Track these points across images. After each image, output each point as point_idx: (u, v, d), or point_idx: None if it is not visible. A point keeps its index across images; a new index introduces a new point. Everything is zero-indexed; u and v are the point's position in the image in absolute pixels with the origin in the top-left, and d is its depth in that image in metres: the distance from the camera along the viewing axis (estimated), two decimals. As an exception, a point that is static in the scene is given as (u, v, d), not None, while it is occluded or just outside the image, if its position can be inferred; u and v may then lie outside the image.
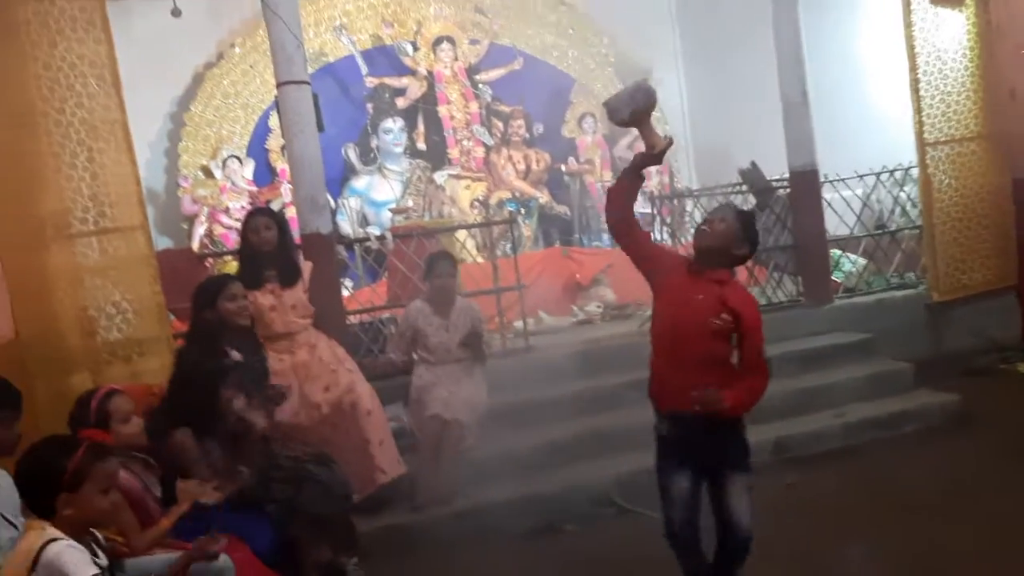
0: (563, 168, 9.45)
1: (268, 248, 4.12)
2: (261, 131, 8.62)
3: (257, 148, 8.58)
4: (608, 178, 9.50)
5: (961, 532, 3.63)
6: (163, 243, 7.77)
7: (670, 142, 2.97)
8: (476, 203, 9.08)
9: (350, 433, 4.08)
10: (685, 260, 3.06)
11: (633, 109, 2.93)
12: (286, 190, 8.12)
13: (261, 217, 4.21)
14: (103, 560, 2.22)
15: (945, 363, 5.82)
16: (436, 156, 9.14)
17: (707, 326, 2.84)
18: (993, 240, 6.29)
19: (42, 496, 2.17)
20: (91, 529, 2.26)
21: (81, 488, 2.16)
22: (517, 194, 9.16)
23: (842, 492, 4.28)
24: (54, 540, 2.06)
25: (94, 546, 2.23)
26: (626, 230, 3.07)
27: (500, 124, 9.33)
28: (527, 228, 8.98)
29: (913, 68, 6.06)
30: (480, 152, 9.26)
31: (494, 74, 9.39)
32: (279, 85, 4.90)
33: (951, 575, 3.33)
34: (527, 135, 9.31)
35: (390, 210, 8.32)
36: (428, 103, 9.15)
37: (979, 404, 5.18)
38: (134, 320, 4.15)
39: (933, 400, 5.23)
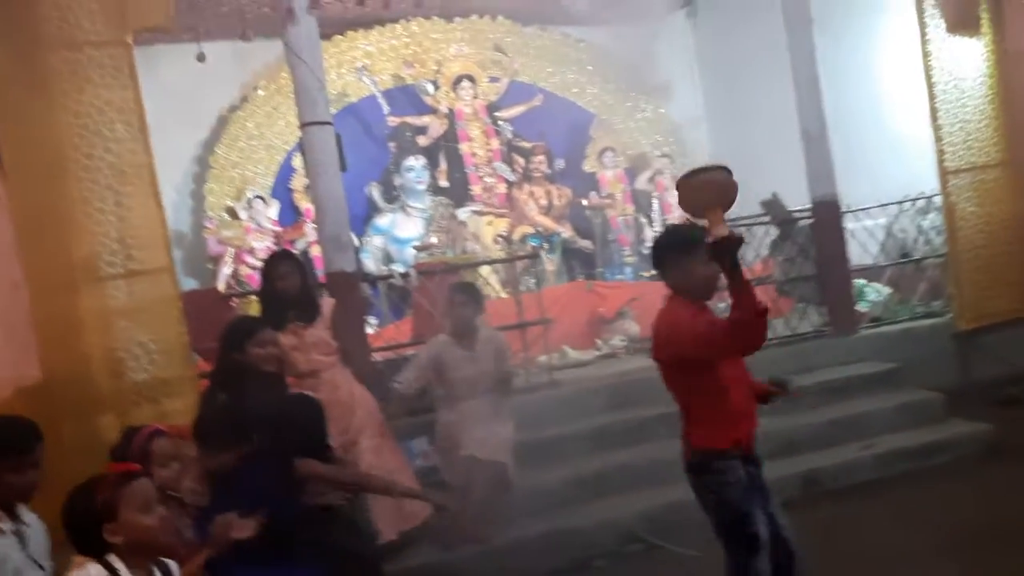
0: (584, 202, 9.49)
1: (290, 292, 4.16)
2: (285, 172, 8.75)
3: (281, 188, 8.71)
4: (629, 212, 9.53)
5: (1002, 565, 3.55)
6: (189, 284, 7.87)
7: (740, 240, 2.55)
8: (499, 239, 9.12)
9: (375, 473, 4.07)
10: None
11: (709, 205, 2.56)
12: (310, 229, 8.22)
13: (283, 264, 4.24)
14: None
15: (974, 392, 5.74)
16: (458, 193, 9.22)
17: None
18: (1018, 267, 6.21)
19: (86, 535, 2.24)
20: (157, 556, 2.35)
21: (118, 514, 2.23)
22: (539, 229, 9.20)
23: (875, 525, 4.20)
24: (80, 567, 2.13)
25: (158, 571, 2.31)
26: None
27: (521, 160, 9.40)
28: (550, 262, 8.99)
29: (931, 96, 6.05)
30: (502, 188, 9.33)
31: (514, 111, 9.49)
32: (302, 126, 4.99)
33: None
34: (548, 171, 9.37)
35: (414, 247, 8.38)
36: (449, 141, 9.25)
37: (1011, 434, 5.08)
38: (160, 361, 4.20)
39: (965, 430, 5.15)
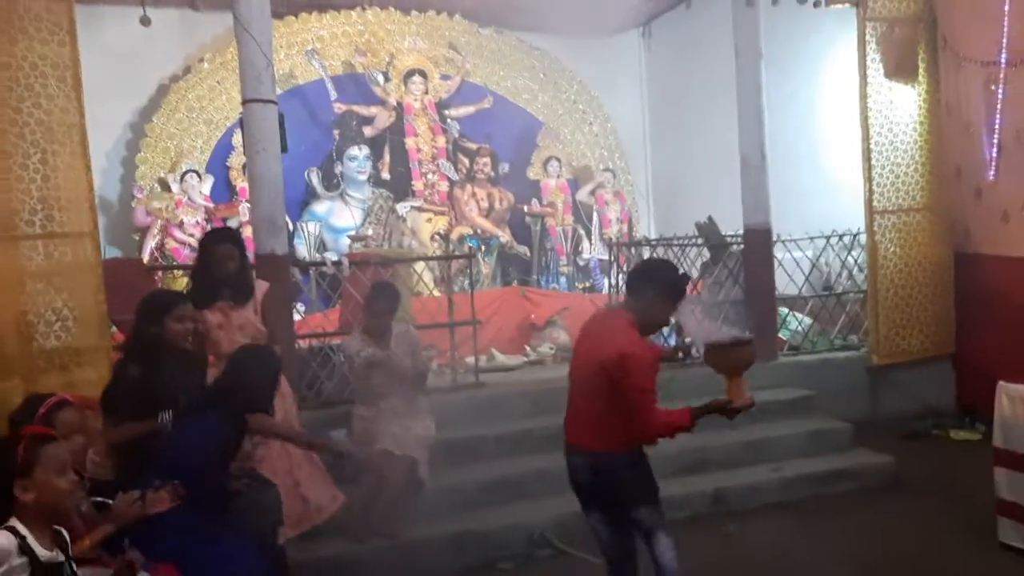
0: (526, 209, 9.52)
1: (228, 271, 4.05)
2: (223, 148, 8.54)
3: (217, 165, 8.50)
4: (569, 222, 9.61)
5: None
6: (111, 253, 7.61)
7: (751, 403, 2.98)
8: (436, 236, 9.08)
9: (277, 472, 3.99)
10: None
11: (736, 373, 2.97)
12: (244, 209, 8.04)
13: (225, 243, 4.10)
14: (57, 556, 2.25)
15: (882, 424, 5.97)
16: (400, 187, 9.15)
17: None
18: (933, 309, 6.48)
19: None
20: (59, 522, 2.38)
21: (33, 473, 2.26)
22: (478, 231, 9.19)
23: (777, 546, 4.32)
24: None
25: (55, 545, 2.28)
26: None
27: (466, 160, 9.39)
28: (486, 265, 9.00)
29: (866, 138, 6.28)
30: (444, 186, 9.29)
31: (464, 111, 9.47)
32: (245, 102, 4.88)
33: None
34: (492, 173, 9.38)
35: (349, 237, 8.29)
36: (395, 134, 9.18)
37: (913, 467, 5.30)
38: (74, 328, 4.06)
39: (869, 460, 5.34)
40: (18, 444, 2.29)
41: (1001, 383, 4.02)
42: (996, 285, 6.06)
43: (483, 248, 9.05)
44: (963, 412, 6.29)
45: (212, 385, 3.41)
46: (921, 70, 6.44)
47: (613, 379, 3.02)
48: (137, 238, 8.02)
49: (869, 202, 6.32)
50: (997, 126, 5.94)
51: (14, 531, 2.21)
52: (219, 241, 4.14)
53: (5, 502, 2.24)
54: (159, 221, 7.96)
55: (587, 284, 9.42)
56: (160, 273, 6.74)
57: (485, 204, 9.32)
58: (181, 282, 6.33)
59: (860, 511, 4.77)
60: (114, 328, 4.48)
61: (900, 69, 6.31)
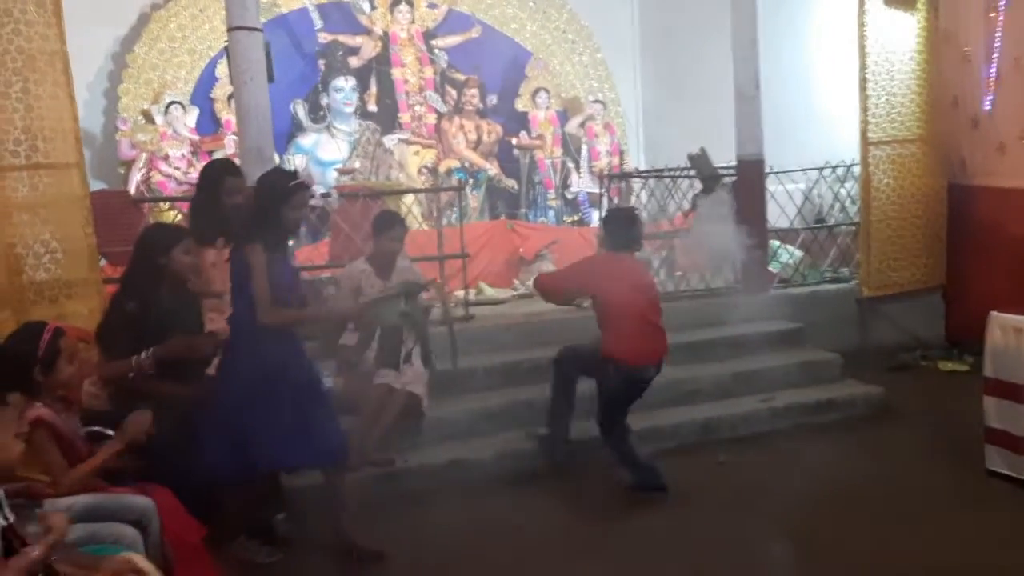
0: (514, 141, 9.41)
1: (234, 206, 3.92)
2: (207, 79, 8.35)
3: (202, 96, 8.32)
4: (558, 154, 9.51)
5: (879, 517, 3.78)
6: (97, 186, 7.46)
7: None
8: (424, 169, 8.98)
9: None
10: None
11: None
12: (230, 141, 7.91)
13: (236, 179, 3.91)
14: (6, 520, 2.06)
15: (871, 356, 6.03)
16: (387, 119, 9.00)
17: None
18: (925, 241, 6.50)
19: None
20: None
21: (56, 361, 2.73)
22: (466, 164, 9.09)
23: (766, 472, 4.40)
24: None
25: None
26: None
27: (454, 92, 9.23)
28: (474, 199, 8.92)
29: (863, 67, 6.18)
30: (432, 119, 9.15)
31: (451, 40, 9.27)
32: (230, 30, 4.75)
33: (858, 557, 3.45)
34: (480, 105, 9.23)
35: (336, 170, 8.18)
36: (382, 64, 8.99)
37: (900, 397, 5.38)
38: (63, 261, 4.00)
39: (857, 391, 5.41)
40: (40, 336, 2.70)
41: (993, 313, 4.05)
42: (989, 216, 6.08)
43: (471, 181, 8.96)
44: (951, 343, 6.36)
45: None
46: (921, -3, 6.32)
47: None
48: (122, 171, 7.90)
49: (864, 133, 6.26)
50: (996, 55, 5.87)
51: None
52: (224, 171, 3.97)
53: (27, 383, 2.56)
54: (144, 154, 7.83)
55: (576, 218, 9.37)
56: (147, 206, 6.63)
57: (473, 136, 9.20)
58: (168, 215, 6.24)
59: (849, 440, 4.85)
60: (103, 261, 4.43)
61: (899, -4, 6.19)
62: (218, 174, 3.93)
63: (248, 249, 3.22)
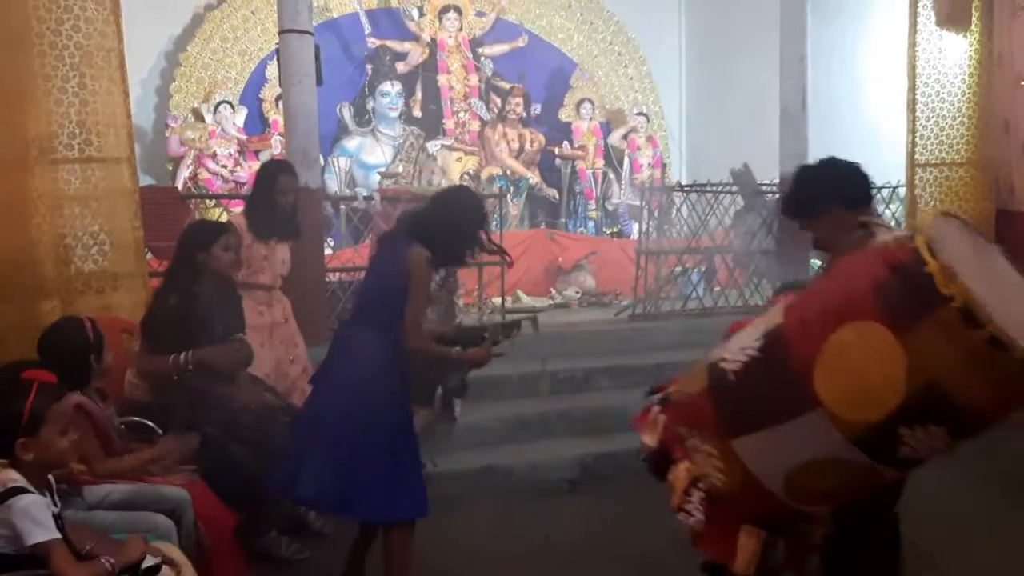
0: (556, 151, 9.43)
1: (286, 207, 4.03)
2: (257, 80, 8.51)
3: (251, 96, 8.48)
4: (600, 165, 9.51)
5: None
6: (145, 181, 7.65)
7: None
8: (466, 176, 9.04)
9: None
10: None
11: None
12: (276, 142, 8.04)
13: (290, 178, 4.01)
14: (57, 507, 2.15)
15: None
16: (431, 125, 9.09)
17: None
18: (971, 266, 6.36)
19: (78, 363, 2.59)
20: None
21: (39, 432, 2.07)
22: (508, 172, 9.14)
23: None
24: (23, 490, 2.01)
25: (47, 492, 2.14)
26: None
27: (498, 100, 9.29)
28: (514, 207, 8.97)
29: (912, 87, 6.09)
30: (475, 126, 9.22)
31: (497, 49, 9.34)
32: (281, 32, 4.84)
33: None
34: (524, 114, 9.28)
35: (379, 173, 8.27)
36: (428, 71, 9.08)
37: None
38: (111, 253, 4.08)
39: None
40: (29, 394, 2.07)
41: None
42: (1037, 244, 5.93)
43: (512, 189, 9.01)
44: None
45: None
46: (974, 18, 6.20)
47: None
48: (170, 167, 8.07)
49: (911, 154, 6.15)
50: (1050, 80, 5.74)
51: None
52: (279, 170, 4.06)
53: (6, 450, 2.05)
54: (192, 151, 7.99)
55: (615, 229, 9.37)
56: (194, 202, 6.77)
57: (516, 145, 9.24)
58: (214, 212, 6.37)
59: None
60: (150, 254, 4.53)
61: (952, 17, 6.09)
62: (273, 173, 4.05)
63: (416, 256, 2.80)
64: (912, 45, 6.06)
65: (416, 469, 2.95)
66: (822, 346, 1.87)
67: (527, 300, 6.96)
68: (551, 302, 7.09)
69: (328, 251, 6.48)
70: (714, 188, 7.02)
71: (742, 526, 2.09)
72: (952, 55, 6.16)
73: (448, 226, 2.89)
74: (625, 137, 9.62)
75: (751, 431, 2.00)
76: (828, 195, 2.59)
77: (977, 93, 6.23)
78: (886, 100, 7.05)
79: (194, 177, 7.94)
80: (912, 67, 6.07)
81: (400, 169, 8.61)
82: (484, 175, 9.08)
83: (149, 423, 3.08)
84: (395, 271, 2.81)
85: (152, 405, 3.20)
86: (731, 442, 2.03)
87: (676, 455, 2.18)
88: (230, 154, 7.99)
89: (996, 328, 1.71)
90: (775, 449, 1.98)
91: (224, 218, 5.48)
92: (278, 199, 3.95)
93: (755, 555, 2.07)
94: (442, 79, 9.13)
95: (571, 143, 9.53)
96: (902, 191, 6.45)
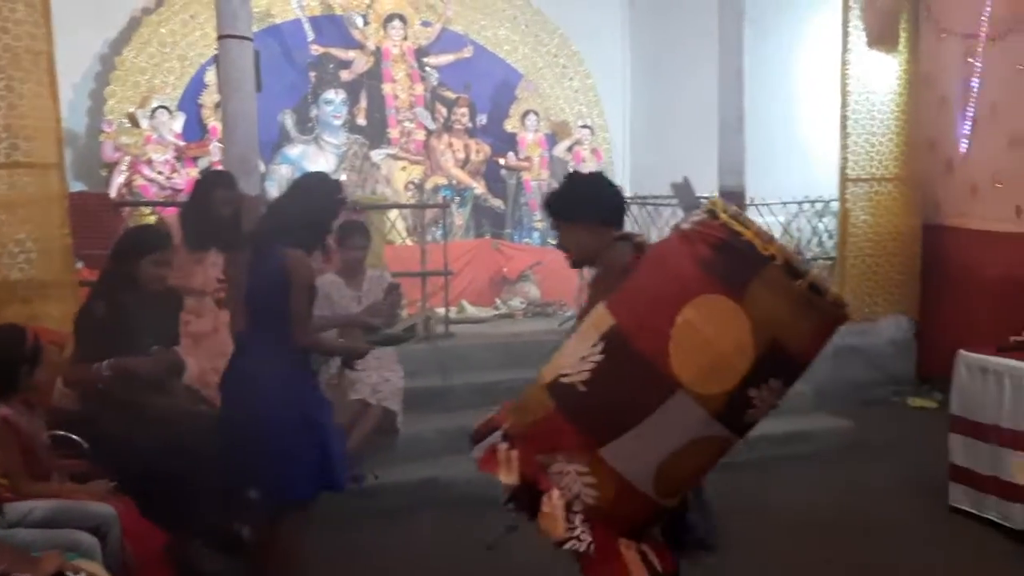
0: (502, 162, 9.45)
1: (224, 219, 3.96)
2: (196, 85, 8.34)
3: (189, 102, 8.31)
4: (545, 177, 9.57)
5: (843, 549, 3.81)
6: (78, 187, 7.44)
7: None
8: (411, 185, 9.00)
9: None
10: None
11: None
12: (215, 148, 7.90)
13: (228, 192, 3.97)
14: None
15: (843, 390, 6.07)
16: (375, 134, 9.02)
17: None
18: (899, 278, 6.59)
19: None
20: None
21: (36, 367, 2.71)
22: (453, 182, 9.12)
23: (734, 501, 4.41)
24: None
25: None
26: None
27: (444, 110, 9.27)
28: (459, 216, 8.95)
29: (844, 105, 6.30)
30: (420, 135, 9.18)
31: (443, 59, 9.33)
32: (220, 38, 4.76)
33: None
34: (469, 124, 9.27)
35: (322, 182, 8.17)
36: (373, 79, 9.02)
37: (870, 432, 5.43)
38: (38, 261, 3.98)
39: (829, 424, 5.45)
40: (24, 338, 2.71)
41: (961, 352, 4.11)
42: (961, 257, 6.17)
43: (457, 199, 8.99)
44: (922, 380, 6.43)
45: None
46: (902, 40, 6.45)
47: None
48: (104, 173, 7.85)
49: (843, 170, 6.36)
50: (972, 100, 5.98)
51: None
52: (217, 182, 4.03)
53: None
54: (127, 157, 7.79)
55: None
56: (127, 210, 6.61)
57: (461, 155, 9.23)
58: (149, 220, 6.22)
59: (816, 473, 4.89)
60: (80, 263, 4.41)
61: (882, 38, 6.32)
62: (210, 186, 4.00)
63: (292, 260, 2.85)
64: (844, 64, 6.27)
65: (322, 454, 2.98)
66: (670, 331, 2.00)
67: (472, 311, 6.95)
68: (496, 312, 7.10)
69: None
70: (656, 201, 7.14)
71: (619, 540, 2.13)
72: (881, 75, 6.40)
73: (306, 212, 2.96)
74: (570, 149, 9.69)
75: (619, 434, 2.05)
76: (586, 206, 2.68)
77: (905, 112, 6.48)
78: (820, 117, 7.24)
79: (129, 184, 7.73)
80: (844, 85, 6.29)
81: (343, 178, 8.53)
82: (429, 185, 9.04)
83: (75, 437, 2.99)
84: (274, 277, 2.86)
85: (81, 415, 3.11)
86: (599, 452, 2.06)
87: (542, 486, 2.16)
88: (167, 160, 7.81)
89: (813, 276, 2.04)
90: (645, 445, 2.05)
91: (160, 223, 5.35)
92: (213, 212, 3.89)
93: (641, 565, 2.11)
94: (387, 88, 9.08)
95: (516, 154, 9.56)
96: (835, 205, 6.65)
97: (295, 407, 2.91)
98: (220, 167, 5.77)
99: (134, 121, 7.99)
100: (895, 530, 4.04)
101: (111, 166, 7.81)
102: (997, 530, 3.88)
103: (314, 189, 3.10)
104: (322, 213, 3.02)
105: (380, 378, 4.43)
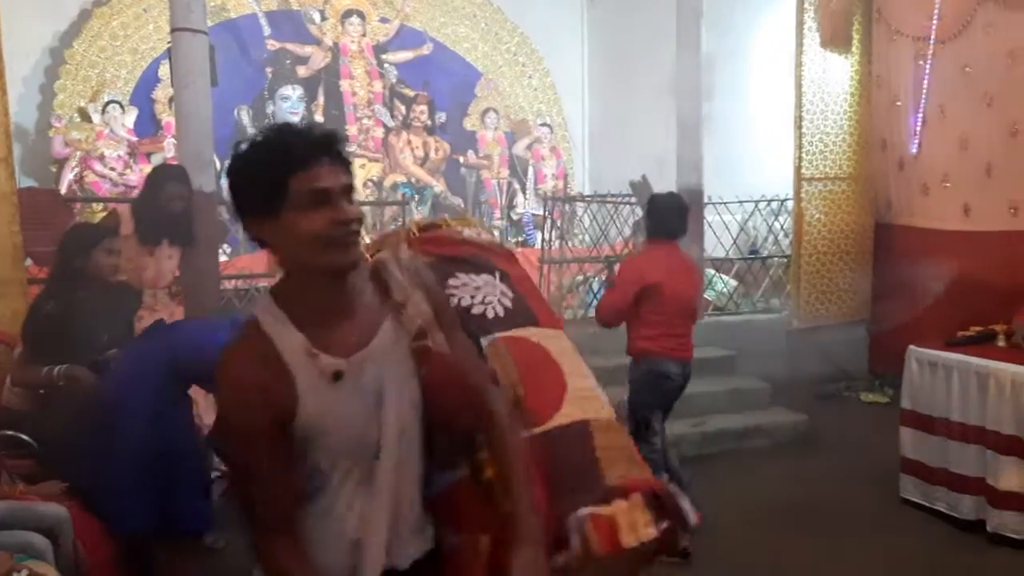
0: (461, 160, 9.45)
1: (175, 213, 3.93)
2: (148, 79, 8.19)
3: (142, 97, 8.15)
4: (505, 175, 9.58)
5: (799, 538, 3.88)
6: (27, 183, 7.25)
7: None
8: (370, 183, 8.95)
9: None
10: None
11: None
12: (169, 144, 7.76)
13: (180, 186, 3.95)
14: None
15: (798, 385, 6.18)
16: (333, 130, 8.95)
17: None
18: (852, 276, 6.72)
19: None
20: None
21: None
22: (413, 179, 9.09)
23: (695, 494, 4.46)
24: None
25: None
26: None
27: (402, 107, 9.23)
28: (419, 214, 8.92)
29: (799, 105, 6.40)
30: (379, 132, 9.13)
31: (402, 56, 9.29)
32: (173, 31, 4.66)
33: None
34: (429, 122, 9.25)
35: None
36: (331, 75, 8.95)
37: (824, 426, 5.54)
38: (-14, 258, 3.87)
39: (784, 418, 5.55)
40: None
41: (911, 347, 4.21)
42: (911, 255, 6.31)
43: (417, 197, 8.96)
44: (874, 375, 6.57)
45: None
46: (855, 41, 6.57)
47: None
48: (54, 169, 7.67)
49: (798, 169, 6.46)
50: (923, 101, 6.13)
51: None
52: (169, 179, 3.99)
53: None
54: (78, 153, 7.62)
55: (520, 239, 9.44)
56: (78, 206, 6.46)
57: (420, 153, 9.21)
58: (100, 216, 6.09)
59: (772, 466, 4.97)
60: (30, 261, 4.30)
61: (835, 39, 6.43)
62: (161, 180, 3.96)
63: None
64: (798, 65, 6.37)
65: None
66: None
67: (430, 308, 6.93)
68: (454, 310, 7.08)
69: (224, 258, 6.30)
70: (614, 199, 7.18)
71: None
72: (835, 76, 6.51)
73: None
74: (529, 147, 9.73)
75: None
76: None
77: (858, 112, 6.60)
78: (776, 116, 7.35)
79: (80, 180, 7.57)
80: (798, 86, 6.39)
81: (301, 175, 8.44)
82: (388, 182, 9.00)
83: (24, 437, 2.92)
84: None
85: (31, 415, 3.04)
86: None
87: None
88: (119, 156, 7.66)
89: None
90: None
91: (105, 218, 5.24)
92: (165, 206, 3.86)
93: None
94: (345, 84, 9.01)
95: (476, 152, 9.56)
96: (790, 204, 6.75)
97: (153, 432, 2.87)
98: (174, 162, 5.67)
99: (85, 116, 7.82)
100: (848, 519, 4.13)
101: (61, 162, 7.64)
102: (945, 520, 3.98)
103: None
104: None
105: None
